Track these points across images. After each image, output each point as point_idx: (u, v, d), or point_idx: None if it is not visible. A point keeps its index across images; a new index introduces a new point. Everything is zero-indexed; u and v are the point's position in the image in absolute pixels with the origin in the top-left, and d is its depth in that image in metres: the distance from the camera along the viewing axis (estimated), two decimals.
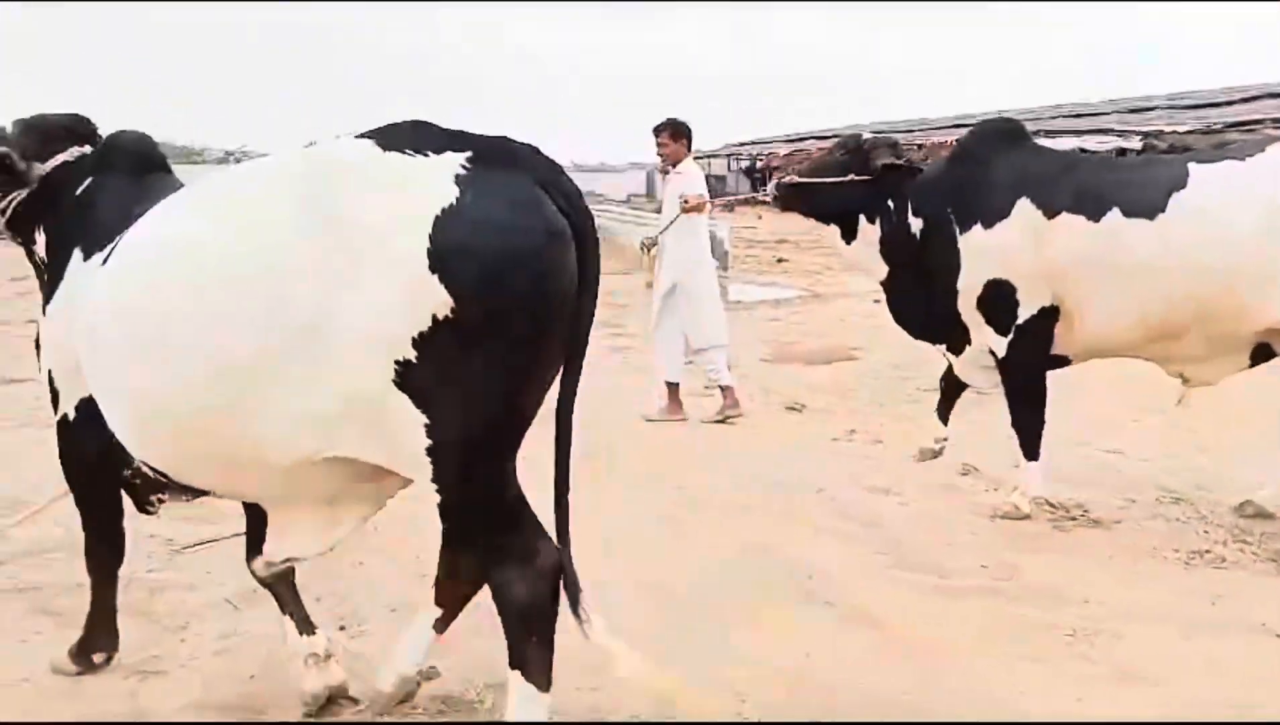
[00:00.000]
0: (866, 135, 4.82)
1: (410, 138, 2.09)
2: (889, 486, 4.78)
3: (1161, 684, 2.87)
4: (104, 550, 3.00)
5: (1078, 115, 28.81)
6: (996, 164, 4.08)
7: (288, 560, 2.69)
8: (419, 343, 1.97)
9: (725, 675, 2.89)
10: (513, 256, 1.97)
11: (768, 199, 5.15)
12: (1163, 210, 3.67)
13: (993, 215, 3.96)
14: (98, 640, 3.00)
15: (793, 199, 4.74)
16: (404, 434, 2.06)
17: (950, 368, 4.49)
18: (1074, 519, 4.21)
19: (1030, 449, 4.17)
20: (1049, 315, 3.93)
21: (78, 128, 3.02)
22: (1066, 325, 3.97)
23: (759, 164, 38.96)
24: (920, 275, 4.28)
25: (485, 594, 2.37)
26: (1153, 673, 2.93)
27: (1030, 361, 4.07)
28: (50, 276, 2.82)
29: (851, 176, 4.37)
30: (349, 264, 1.98)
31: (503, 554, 2.16)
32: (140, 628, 3.28)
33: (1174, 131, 22.55)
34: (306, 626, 2.80)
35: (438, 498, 2.15)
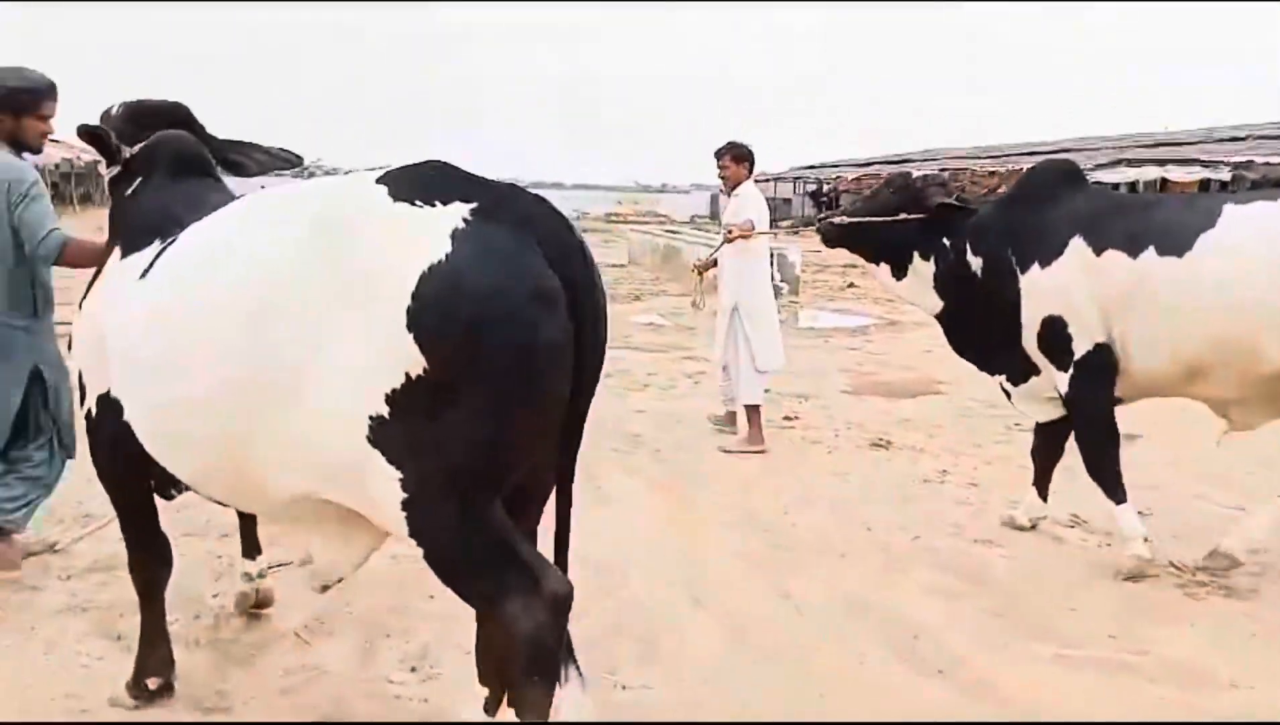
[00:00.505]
0: (916, 174, 4.92)
1: (422, 185, 2.04)
2: (991, 537, 4.44)
3: None
4: (146, 558, 2.86)
5: (1157, 144, 27.90)
6: (1053, 204, 4.16)
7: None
8: (391, 399, 1.94)
9: None
10: (491, 318, 1.91)
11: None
12: (1190, 249, 3.71)
13: (1050, 254, 4.04)
14: (149, 663, 2.84)
15: (842, 238, 4.77)
16: (378, 488, 2.02)
17: (1041, 440, 4.51)
18: (1204, 584, 3.83)
19: (1112, 491, 4.04)
20: (1103, 351, 3.95)
21: (171, 115, 2.91)
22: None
23: (825, 187, 38.58)
24: (980, 309, 4.35)
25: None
26: None
27: (1091, 397, 4.05)
28: (96, 270, 2.81)
29: (904, 216, 4.45)
30: (337, 312, 1.96)
31: (502, 591, 2.05)
32: (205, 659, 3.12)
33: (1266, 163, 21.68)
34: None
35: (419, 550, 2.08)
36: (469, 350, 1.90)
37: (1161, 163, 24.73)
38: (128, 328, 2.40)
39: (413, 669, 3.13)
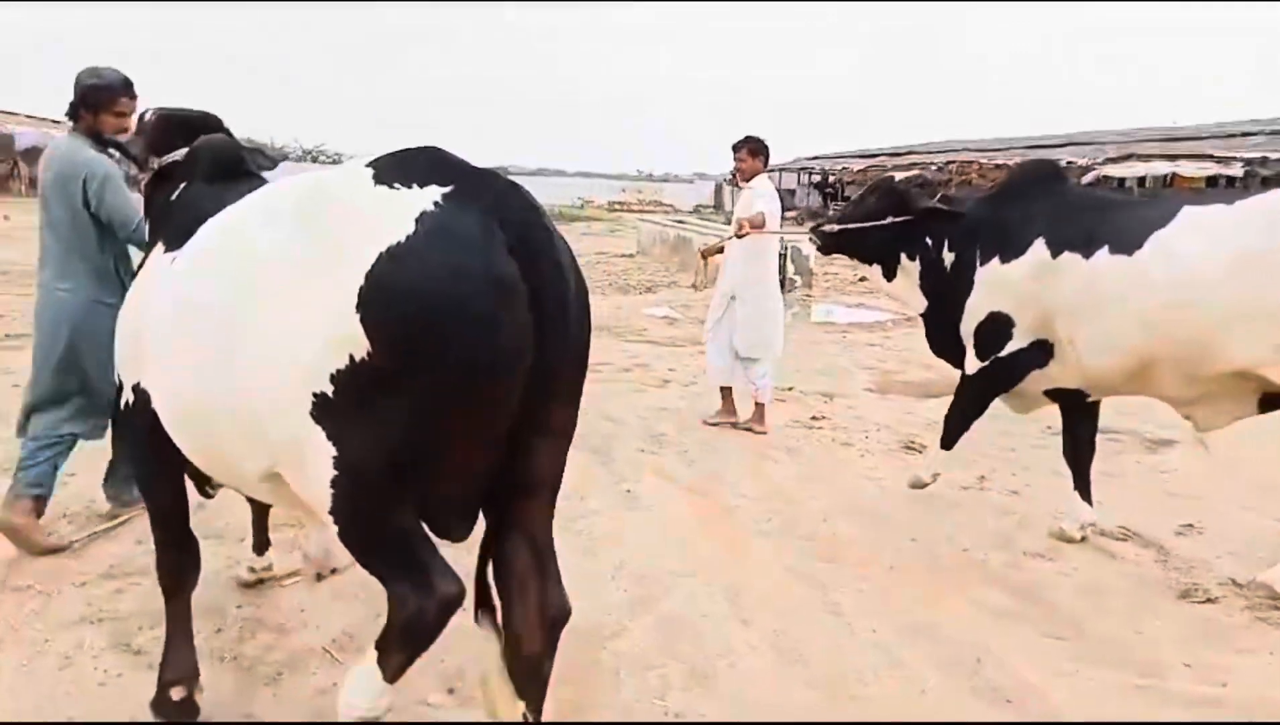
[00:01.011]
0: (897, 177, 5.05)
1: (406, 169, 2.02)
2: (1042, 550, 4.25)
3: None
4: (174, 557, 2.73)
5: (1169, 139, 27.63)
6: (1026, 203, 4.21)
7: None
8: (335, 378, 1.91)
9: None
10: (436, 308, 1.84)
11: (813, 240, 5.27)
12: (1139, 247, 3.77)
13: (1011, 251, 4.11)
14: (173, 667, 2.69)
15: (834, 245, 5.03)
16: (314, 464, 2.00)
17: (1067, 441, 4.49)
18: (1277, 608, 3.65)
19: (949, 441, 4.52)
20: (1034, 349, 4.09)
21: (201, 124, 2.92)
22: (1061, 358, 4.07)
23: (830, 178, 38.29)
24: (950, 304, 4.41)
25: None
26: None
27: (992, 385, 4.30)
28: (138, 268, 2.85)
29: (892, 219, 4.60)
30: (304, 289, 1.95)
31: (397, 577, 2.06)
32: (230, 676, 2.93)
33: None
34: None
35: (333, 528, 2.07)
36: (411, 340, 1.85)
37: (1172, 158, 24.52)
38: (158, 316, 2.41)
39: (450, 690, 2.95)
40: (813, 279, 14.32)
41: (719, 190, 43.03)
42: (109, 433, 4.03)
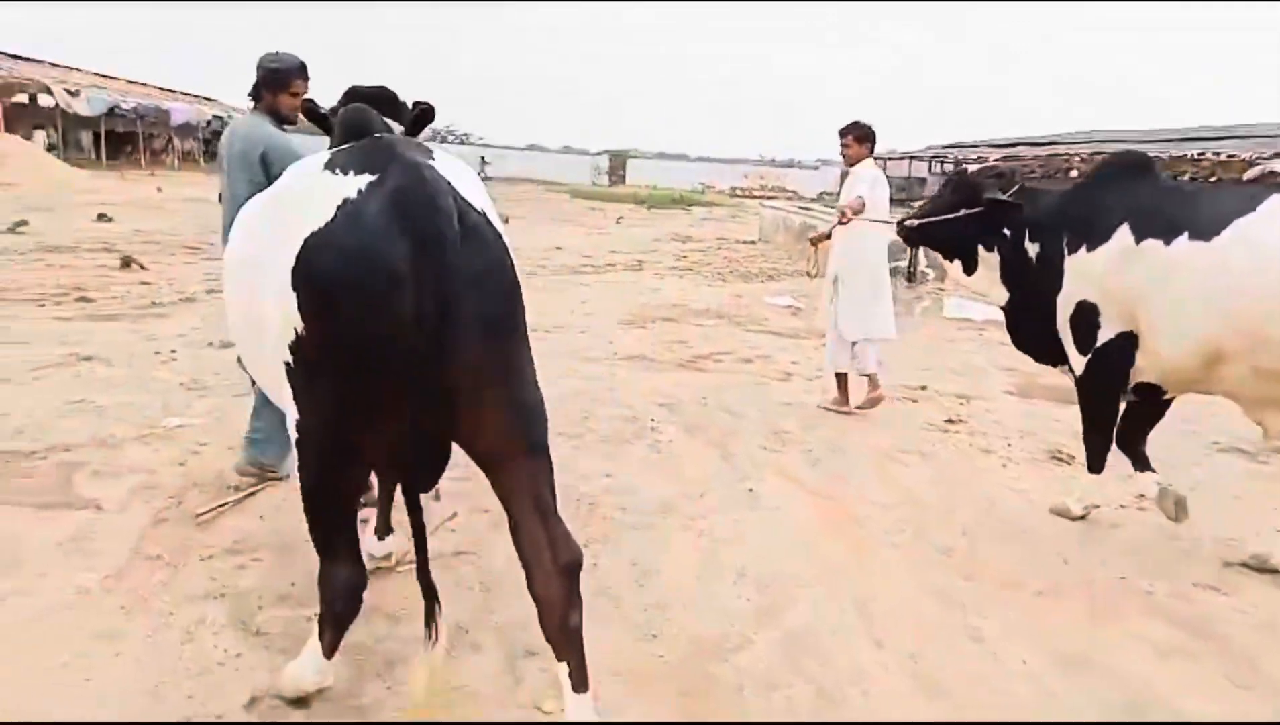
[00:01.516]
0: (971, 170, 5.02)
1: (353, 158, 2.25)
2: (1213, 582, 3.83)
3: None
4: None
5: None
6: (1112, 193, 4.13)
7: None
8: (292, 348, 2.19)
9: None
10: (340, 285, 2.07)
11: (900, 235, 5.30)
12: (1219, 234, 3.63)
13: (1097, 239, 4.04)
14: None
15: (918, 239, 5.15)
16: (289, 423, 2.33)
17: (1123, 428, 4.39)
18: None
19: (1095, 464, 4.34)
20: (1125, 340, 4.00)
21: (376, 96, 3.00)
22: (1144, 349, 3.99)
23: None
24: (1036, 296, 4.36)
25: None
26: None
27: (1103, 382, 4.16)
28: None
29: (964, 212, 4.60)
30: (275, 268, 2.19)
31: (325, 552, 2.48)
32: (341, 666, 2.85)
33: None
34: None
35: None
36: (320, 316, 2.10)
37: None
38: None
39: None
40: (945, 272, 13.67)
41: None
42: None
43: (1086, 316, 4.10)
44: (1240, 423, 4.45)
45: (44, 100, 29.50)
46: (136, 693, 2.67)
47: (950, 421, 6.15)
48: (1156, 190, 4.04)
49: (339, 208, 2.10)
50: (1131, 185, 4.09)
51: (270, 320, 2.23)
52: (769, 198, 33.97)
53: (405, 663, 2.90)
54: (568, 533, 2.34)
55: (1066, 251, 4.18)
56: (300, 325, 2.12)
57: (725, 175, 51.92)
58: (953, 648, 3.19)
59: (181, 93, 38.46)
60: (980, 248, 4.61)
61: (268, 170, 3.87)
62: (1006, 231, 4.49)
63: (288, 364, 2.21)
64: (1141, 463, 4.35)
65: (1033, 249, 4.39)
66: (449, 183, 2.18)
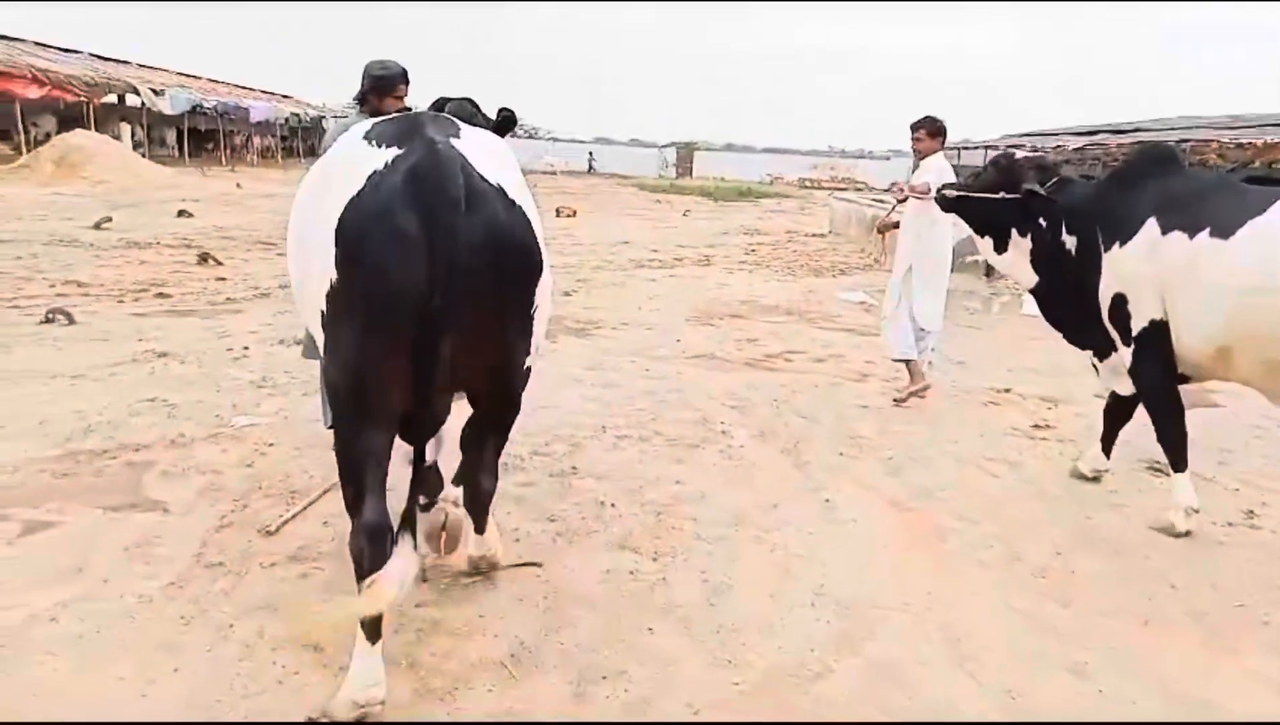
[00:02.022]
0: (1020, 154, 5.04)
1: (386, 131, 2.63)
2: None
3: None
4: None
5: None
6: (1142, 186, 4.22)
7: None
8: (328, 297, 2.48)
9: None
10: (363, 244, 2.39)
11: (934, 201, 5.50)
12: (1235, 231, 3.75)
13: (1128, 232, 4.15)
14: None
15: (952, 207, 5.26)
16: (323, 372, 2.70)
17: (1108, 400, 4.76)
18: None
19: (1176, 460, 4.26)
20: (1158, 328, 4.08)
21: (458, 104, 3.32)
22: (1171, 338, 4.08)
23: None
24: (1072, 286, 4.51)
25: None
26: None
27: (1149, 371, 4.21)
28: None
29: (1002, 195, 4.73)
30: (320, 227, 2.51)
31: (351, 508, 2.60)
32: (403, 685, 2.75)
33: None
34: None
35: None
36: (348, 269, 2.41)
37: None
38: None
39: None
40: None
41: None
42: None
43: (1122, 307, 4.21)
44: None
45: (131, 100, 30.47)
46: (191, 712, 2.59)
47: (1037, 427, 5.84)
48: (1184, 184, 4.14)
49: (368, 178, 2.45)
50: (1161, 178, 4.19)
51: (316, 270, 2.51)
52: (839, 189, 33.34)
53: (468, 684, 2.79)
54: (494, 469, 3.14)
55: (1103, 245, 4.29)
56: (335, 276, 2.42)
57: (794, 166, 51.22)
58: (1053, 683, 2.94)
59: (260, 91, 39.40)
60: (1014, 231, 4.75)
61: None
62: (1042, 221, 4.62)
63: (323, 312, 2.50)
64: (1106, 451, 4.79)
65: (1070, 241, 4.53)
66: (464, 159, 2.48)
